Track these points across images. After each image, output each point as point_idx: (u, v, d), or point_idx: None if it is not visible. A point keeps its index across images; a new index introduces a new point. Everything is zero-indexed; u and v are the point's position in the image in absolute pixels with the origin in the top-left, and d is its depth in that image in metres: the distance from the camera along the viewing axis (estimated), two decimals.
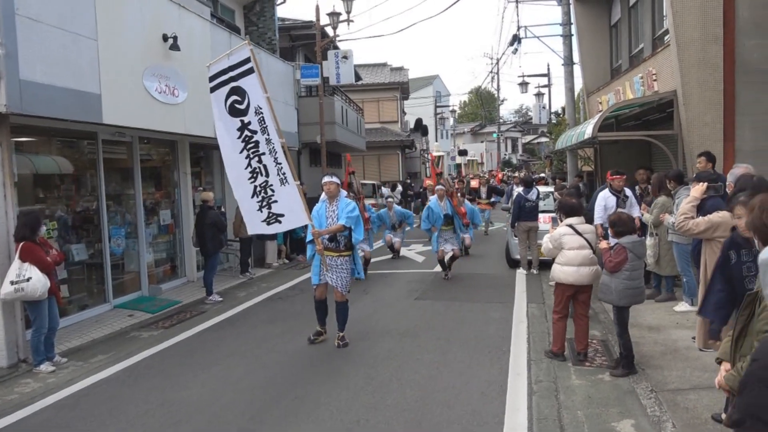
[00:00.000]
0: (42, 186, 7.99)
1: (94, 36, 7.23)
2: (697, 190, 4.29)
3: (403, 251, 13.83)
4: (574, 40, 16.64)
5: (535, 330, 7.05)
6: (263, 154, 6.36)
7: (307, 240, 6.75)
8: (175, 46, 8.67)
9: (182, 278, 10.75)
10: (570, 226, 5.84)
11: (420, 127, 36.01)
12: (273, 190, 6.44)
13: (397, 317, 7.95)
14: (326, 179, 6.62)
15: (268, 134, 6.31)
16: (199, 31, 9.87)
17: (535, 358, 5.99)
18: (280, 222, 6.56)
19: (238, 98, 6.34)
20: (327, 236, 6.54)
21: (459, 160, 48.59)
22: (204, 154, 12.06)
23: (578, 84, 18.31)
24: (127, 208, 9.44)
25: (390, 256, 13.15)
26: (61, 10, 6.73)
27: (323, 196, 6.76)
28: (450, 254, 10.47)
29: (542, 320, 7.43)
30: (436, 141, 42.57)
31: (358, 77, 22.46)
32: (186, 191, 10.72)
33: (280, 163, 6.33)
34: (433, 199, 10.68)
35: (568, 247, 5.77)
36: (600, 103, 14.92)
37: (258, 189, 6.50)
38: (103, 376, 6.04)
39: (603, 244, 5.61)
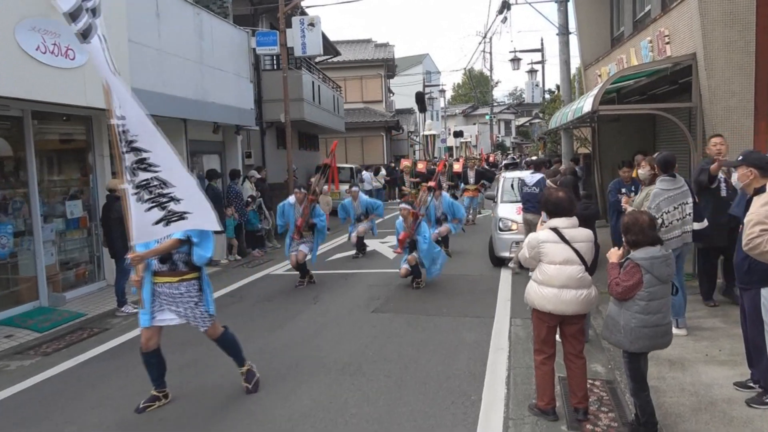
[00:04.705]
0: None
1: None
2: None
3: (375, 244, 12.08)
4: (570, 6, 14.79)
5: (518, 363, 5.33)
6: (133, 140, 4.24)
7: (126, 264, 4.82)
8: None
9: (100, 282, 8.96)
10: (554, 229, 4.07)
11: (421, 101, 33.15)
12: (165, 184, 4.30)
13: (344, 340, 6.21)
14: None
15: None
16: None
17: (514, 416, 4.26)
18: (185, 219, 4.42)
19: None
20: (155, 258, 4.52)
21: (451, 142, 46.42)
22: None
23: (575, 60, 16.56)
24: (17, 198, 7.62)
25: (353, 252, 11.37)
26: None
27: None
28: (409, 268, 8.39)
29: (528, 346, 5.66)
30: (429, 120, 40.42)
31: (332, 50, 20.56)
32: (104, 178, 8.87)
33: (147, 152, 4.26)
34: (398, 222, 8.59)
35: (548, 260, 4.02)
36: (599, 75, 13.10)
37: (139, 186, 4.31)
38: None
39: (613, 256, 3.85)
